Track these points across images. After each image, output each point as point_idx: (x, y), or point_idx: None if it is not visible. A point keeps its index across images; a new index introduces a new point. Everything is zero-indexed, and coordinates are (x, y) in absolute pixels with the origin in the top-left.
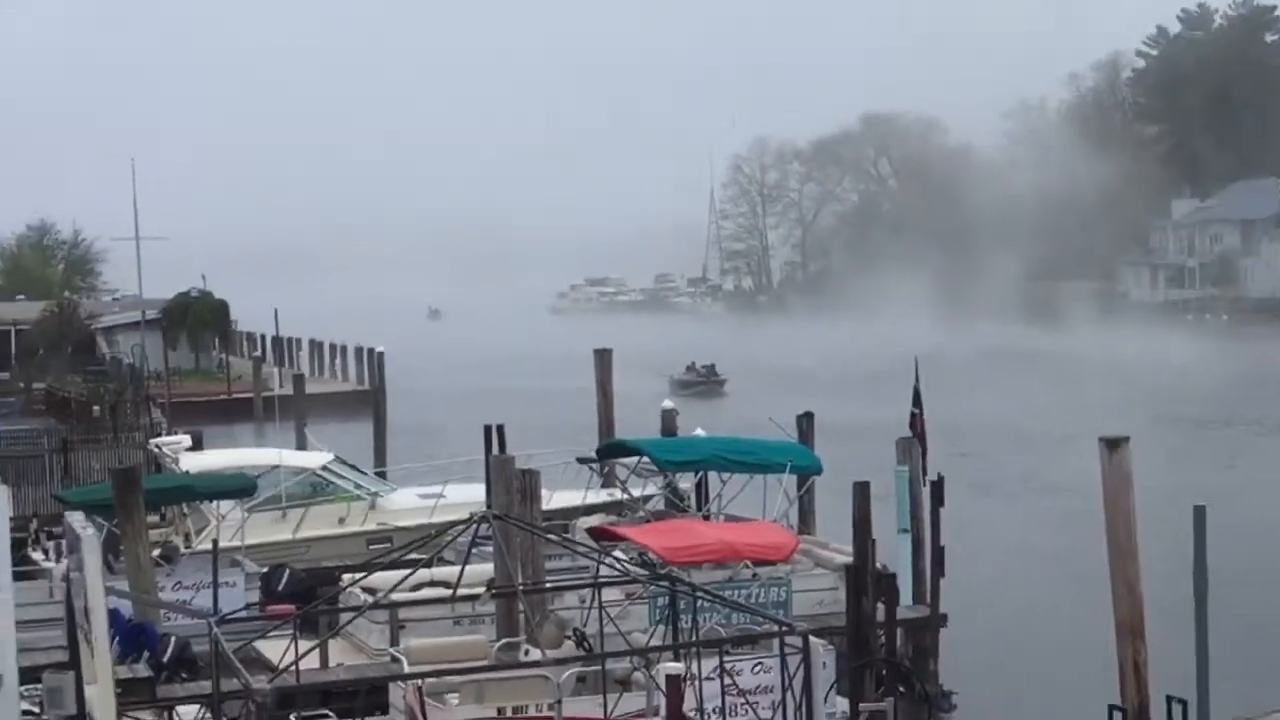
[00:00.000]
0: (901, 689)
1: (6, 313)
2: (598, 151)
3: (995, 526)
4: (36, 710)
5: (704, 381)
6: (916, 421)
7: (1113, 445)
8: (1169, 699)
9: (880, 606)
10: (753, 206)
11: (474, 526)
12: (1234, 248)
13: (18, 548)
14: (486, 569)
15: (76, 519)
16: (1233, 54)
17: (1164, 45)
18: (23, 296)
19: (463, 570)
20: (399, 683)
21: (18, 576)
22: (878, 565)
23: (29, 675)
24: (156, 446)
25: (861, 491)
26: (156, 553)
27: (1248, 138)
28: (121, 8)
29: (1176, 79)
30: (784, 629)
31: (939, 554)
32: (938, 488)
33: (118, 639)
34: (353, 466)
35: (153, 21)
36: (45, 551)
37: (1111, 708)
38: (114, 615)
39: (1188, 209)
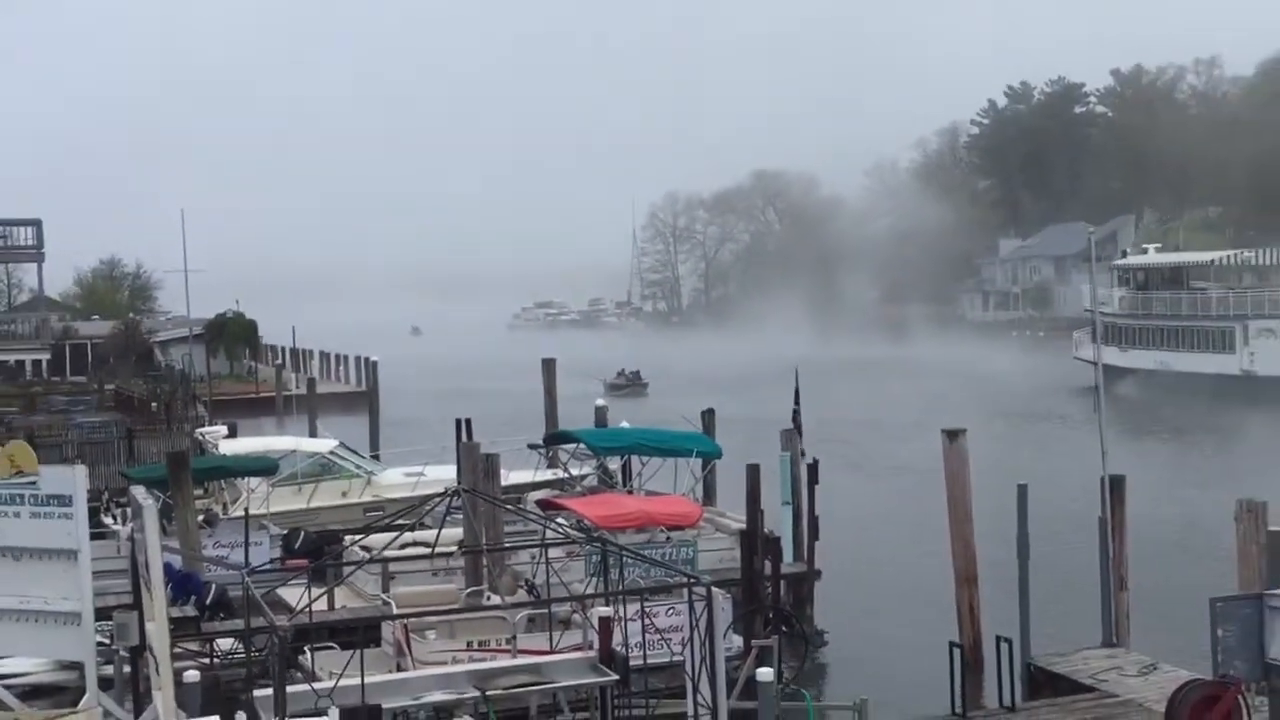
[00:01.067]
0: (785, 629)
1: (84, 330)
2: (543, 201)
3: (859, 499)
4: (108, 641)
5: (631, 385)
6: (796, 416)
7: (952, 435)
8: (998, 638)
9: (768, 564)
10: (666, 245)
11: (448, 499)
12: (1049, 278)
13: (92, 514)
14: (457, 532)
15: (139, 491)
16: (1048, 123)
17: (993, 115)
18: (97, 317)
19: (439, 533)
20: (389, 621)
21: (92, 537)
22: (765, 531)
23: (102, 614)
24: (200, 435)
25: (752, 472)
26: (201, 518)
27: (1060, 189)
28: (172, 76)
29: (1003, 142)
30: (692, 581)
31: (814, 522)
32: (813, 469)
33: (170, 586)
34: (353, 451)
35: (198, 88)
36: (114, 517)
37: (951, 644)
38: (168, 567)
39: (1012, 247)
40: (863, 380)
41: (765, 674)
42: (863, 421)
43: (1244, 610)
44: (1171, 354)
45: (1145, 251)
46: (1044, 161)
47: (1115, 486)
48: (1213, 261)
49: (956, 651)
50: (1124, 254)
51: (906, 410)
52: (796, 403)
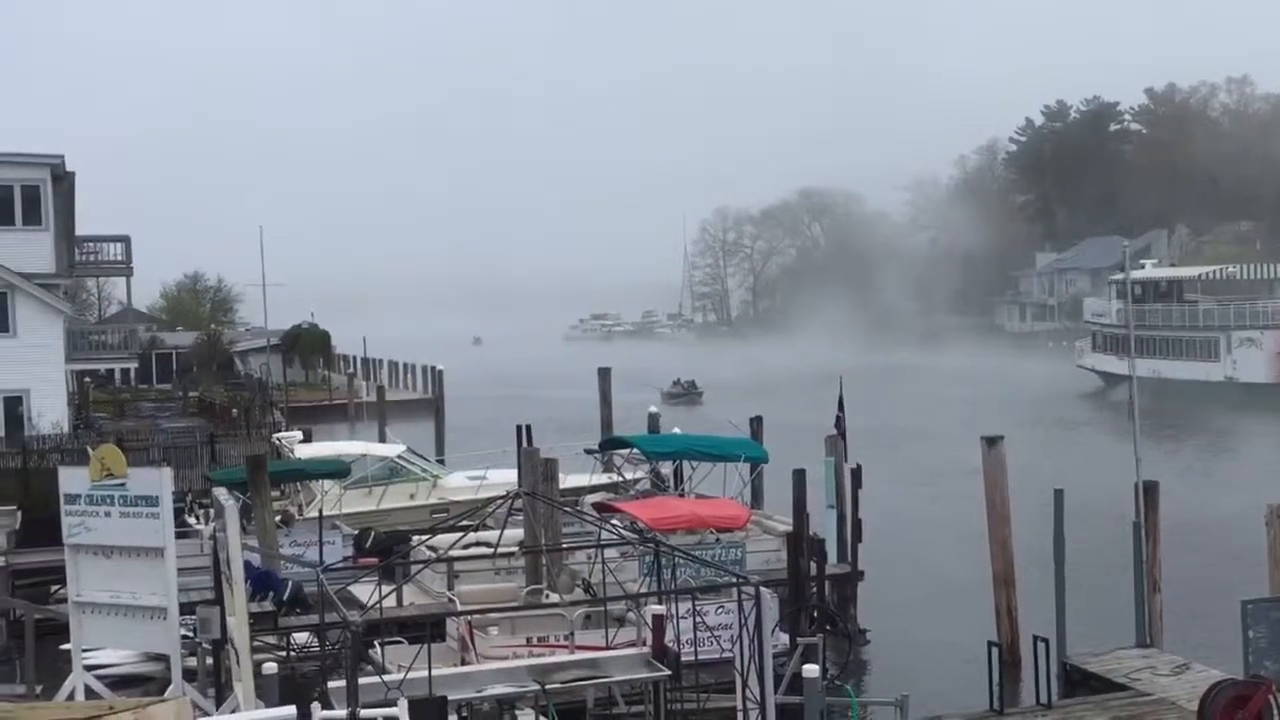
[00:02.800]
0: (829, 627)
1: (169, 340)
2: (601, 217)
3: (901, 503)
4: (191, 634)
5: (686, 393)
6: (840, 423)
7: (991, 441)
8: (1035, 638)
9: (813, 565)
10: (716, 259)
11: (509, 501)
12: (1084, 290)
13: (176, 514)
14: (518, 533)
15: (221, 493)
16: (1084, 140)
17: (1030, 133)
18: (181, 328)
19: (501, 534)
20: (454, 618)
21: (177, 536)
22: (811, 533)
23: (185, 609)
24: (277, 439)
25: (798, 476)
26: (278, 518)
27: (1095, 204)
28: (243, 105)
29: (1040, 159)
30: (740, 581)
31: (857, 524)
32: (856, 474)
33: (249, 582)
34: (420, 455)
35: (276, 106)
36: (196, 517)
37: (990, 643)
38: (247, 565)
39: (1048, 260)
40: (903, 387)
41: (811, 670)
42: (905, 427)
43: (1275, 612)
44: (1164, 362)
45: (1143, 267)
46: (1079, 177)
47: (1149, 492)
48: (1200, 276)
49: (994, 650)
50: (1127, 272)
51: (947, 416)
52: (840, 409)
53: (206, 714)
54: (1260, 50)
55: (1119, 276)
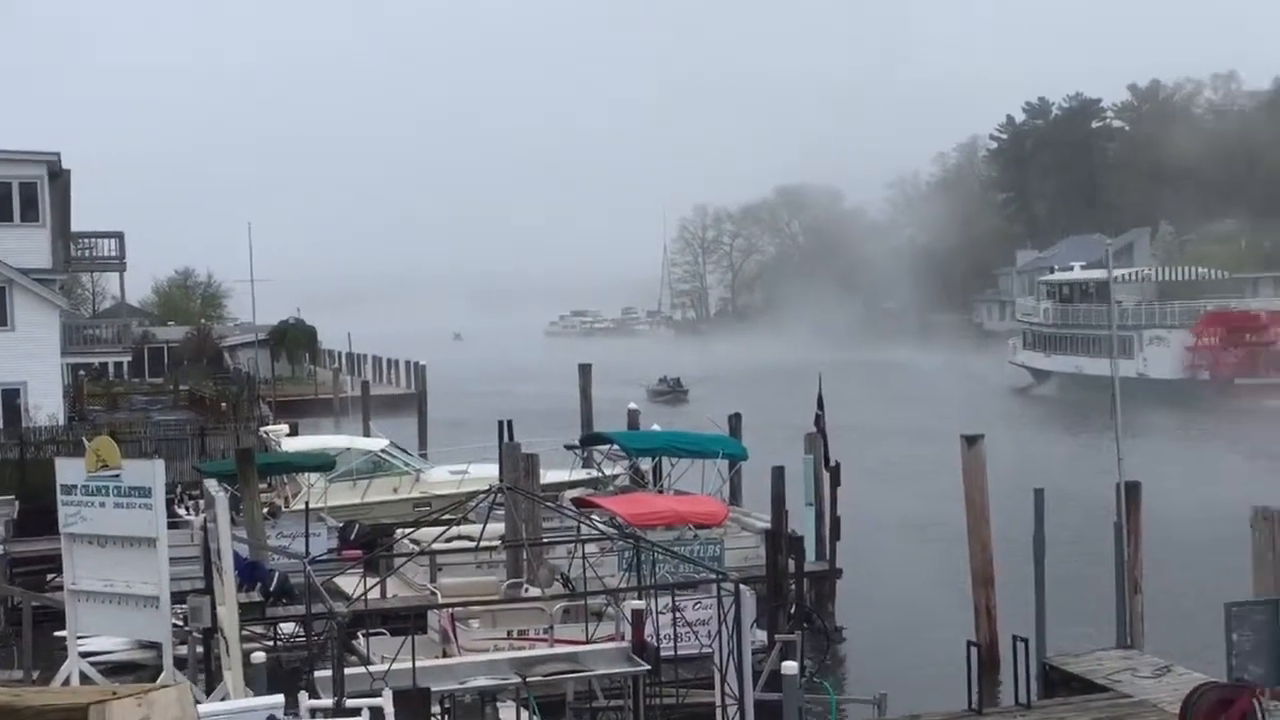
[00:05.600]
0: (806, 625)
1: (161, 335)
2: (581, 215)
3: (879, 501)
4: (181, 623)
5: (672, 391)
6: (819, 420)
7: (971, 440)
8: (1014, 638)
9: (791, 562)
10: (695, 256)
11: (491, 495)
12: None
13: (168, 506)
14: (499, 527)
15: (211, 485)
16: (1065, 137)
17: (1011, 130)
18: (172, 323)
19: (483, 528)
20: (436, 610)
21: (168, 526)
22: (789, 530)
23: (177, 598)
24: (265, 433)
25: (777, 474)
26: (265, 510)
27: (1077, 202)
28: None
29: (1021, 157)
30: (719, 577)
31: (836, 522)
32: (835, 471)
33: (238, 573)
34: (403, 449)
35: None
36: (187, 508)
37: (969, 643)
38: (235, 555)
39: (1029, 258)
40: (880, 384)
41: (790, 667)
42: (883, 425)
43: (1259, 615)
44: (1085, 359)
45: (1072, 269)
46: (1061, 174)
47: (1131, 492)
48: (1120, 277)
49: (974, 650)
50: (1051, 270)
51: (926, 413)
52: (820, 407)
53: (197, 701)
54: (1246, 46)
55: (1049, 277)
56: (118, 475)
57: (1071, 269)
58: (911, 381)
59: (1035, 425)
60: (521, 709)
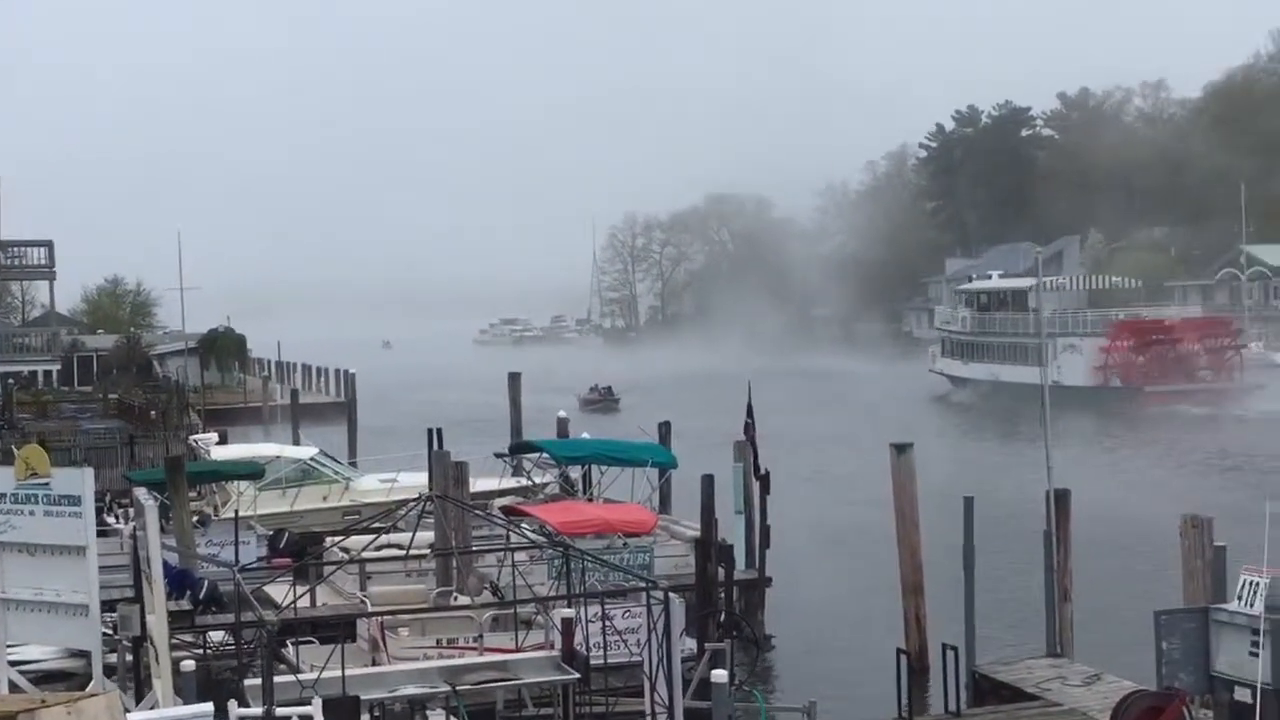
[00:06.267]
0: (736, 633)
1: (90, 343)
2: (511, 223)
3: (809, 509)
4: (111, 631)
5: (603, 400)
6: (749, 428)
7: (900, 449)
8: (944, 646)
9: (720, 570)
10: (625, 264)
11: (420, 504)
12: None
13: (97, 514)
14: (429, 535)
15: (140, 493)
16: (995, 145)
17: (941, 138)
18: (101, 331)
19: (413, 536)
20: (365, 618)
21: (98, 535)
22: (719, 539)
23: (106, 606)
24: (194, 441)
25: (707, 482)
26: (195, 518)
27: (1006, 210)
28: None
29: (951, 165)
30: (649, 585)
31: (766, 531)
32: (765, 479)
33: (168, 581)
34: (332, 458)
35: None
36: (117, 516)
37: (898, 651)
38: (164, 564)
39: (959, 266)
40: (811, 392)
41: (719, 675)
42: (812, 433)
43: (1189, 624)
44: (1000, 366)
45: (990, 278)
46: (991, 183)
47: (1060, 500)
48: (1032, 287)
49: (903, 658)
50: (970, 279)
51: (856, 422)
52: (749, 415)
53: (126, 710)
54: (1176, 54)
55: (966, 286)
56: (47, 484)
57: (990, 278)
58: (838, 389)
59: (955, 433)
60: (451, 717)
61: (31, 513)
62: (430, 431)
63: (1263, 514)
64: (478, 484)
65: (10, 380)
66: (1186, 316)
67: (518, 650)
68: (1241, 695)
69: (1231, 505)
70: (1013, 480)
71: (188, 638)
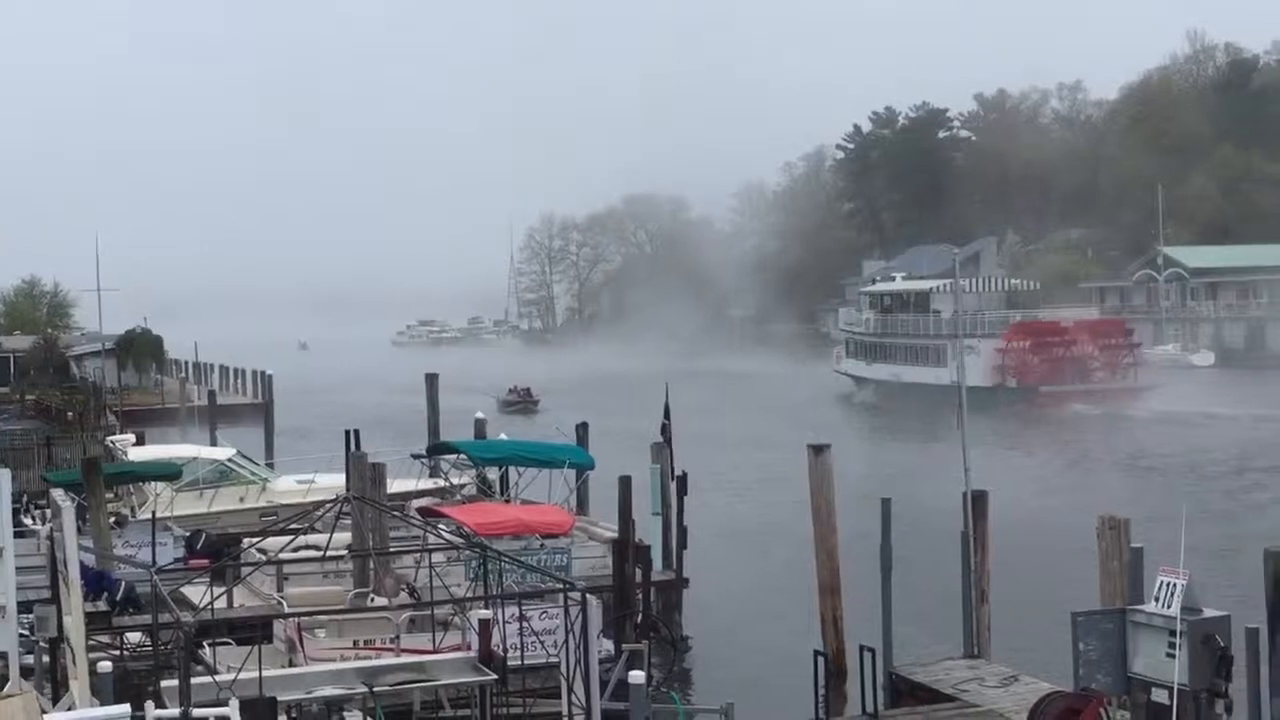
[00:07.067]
0: (653, 634)
1: (7, 344)
2: (425, 222)
3: (726, 510)
4: (28, 633)
5: (522, 401)
6: (666, 429)
7: (817, 450)
8: (861, 647)
9: (638, 571)
10: (542, 266)
11: (337, 505)
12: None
13: (14, 515)
14: (346, 536)
15: (57, 494)
16: (912, 147)
17: (858, 140)
18: (18, 332)
19: (330, 537)
20: (282, 619)
21: (14, 536)
22: (636, 540)
23: (23, 607)
24: (111, 442)
25: (624, 483)
26: (111, 520)
27: (923, 212)
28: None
29: (868, 166)
30: (566, 586)
31: (683, 532)
32: (682, 481)
33: (84, 582)
34: (249, 459)
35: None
36: (34, 517)
37: (816, 653)
38: (81, 565)
39: (876, 267)
40: (727, 393)
41: (636, 676)
42: (729, 434)
43: (1106, 625)
44: (903, 367)
45: (893, 279)
46: (908, 185)
47: (978, 502)
48: (933, 289)
49: (820, 659)
50: (874, 281)
51: (771, 423)
52: (666, 416)
53: (43, 711)
54: (1093, 57)
55: (870, 288)
56: None
57: (894, 280)
58: (750, 389)
59: (864, 432)
60: (368, 719)
61: None
62: (347, 433)
63: (1177, 515)
64: (395, 485)
65: None
66: (1081, 319)
67: (435, 651)
68: (1159, 696)
69: (1129, 503)
70: (923, 480)
71: (105, 639)
